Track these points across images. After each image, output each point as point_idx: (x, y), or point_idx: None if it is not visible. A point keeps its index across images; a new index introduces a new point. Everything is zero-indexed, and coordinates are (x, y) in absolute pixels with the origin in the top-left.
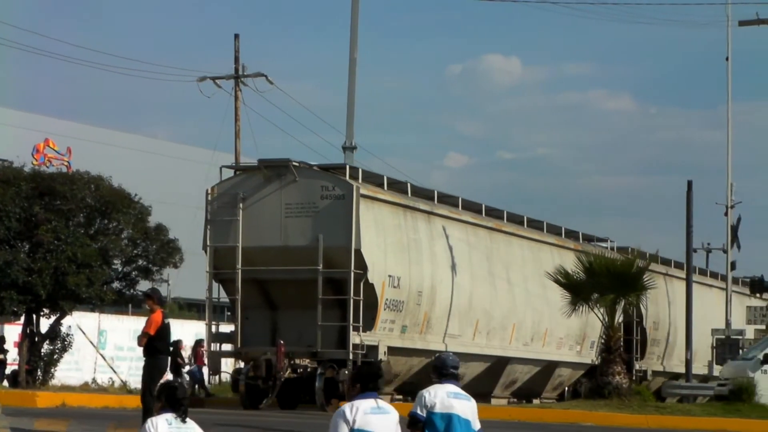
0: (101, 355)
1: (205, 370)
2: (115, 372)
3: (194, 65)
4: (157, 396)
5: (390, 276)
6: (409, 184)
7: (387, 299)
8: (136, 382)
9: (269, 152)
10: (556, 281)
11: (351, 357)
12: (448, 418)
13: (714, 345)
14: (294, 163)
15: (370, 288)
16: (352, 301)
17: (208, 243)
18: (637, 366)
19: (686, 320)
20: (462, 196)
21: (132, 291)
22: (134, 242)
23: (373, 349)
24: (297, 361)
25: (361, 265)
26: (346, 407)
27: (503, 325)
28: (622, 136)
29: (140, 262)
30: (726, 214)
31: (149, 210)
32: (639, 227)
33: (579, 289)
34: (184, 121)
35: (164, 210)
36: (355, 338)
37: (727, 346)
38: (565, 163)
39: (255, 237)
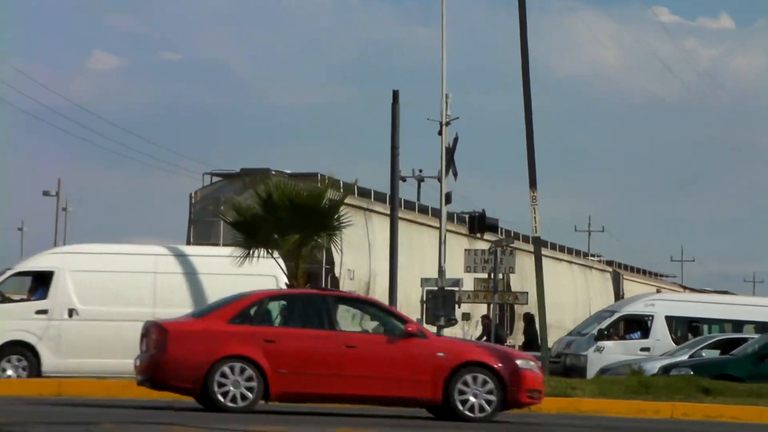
0: None
1: None
2: None
3: None
4: None
5: (348, 270)
6: (355, 186)
7: (346, 290)
8: None
9: None
10: (223, 220)
11: None
12: None
13: (423, 299)
14: (272, 172)
15: (335, 281)
16: None
17: (191, 242)
18: None
19: (390, 267)
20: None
21: None
22: None
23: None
24: None
25: (330, 260)
26: None
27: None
28: (314, 37)
29: None
30: (440, 132)
31: None
32: (337, 151)
33: (255, 229)
34: None
35: None
36: None
37: (440, 301)
38: (248, 72)
39: (234, 236)
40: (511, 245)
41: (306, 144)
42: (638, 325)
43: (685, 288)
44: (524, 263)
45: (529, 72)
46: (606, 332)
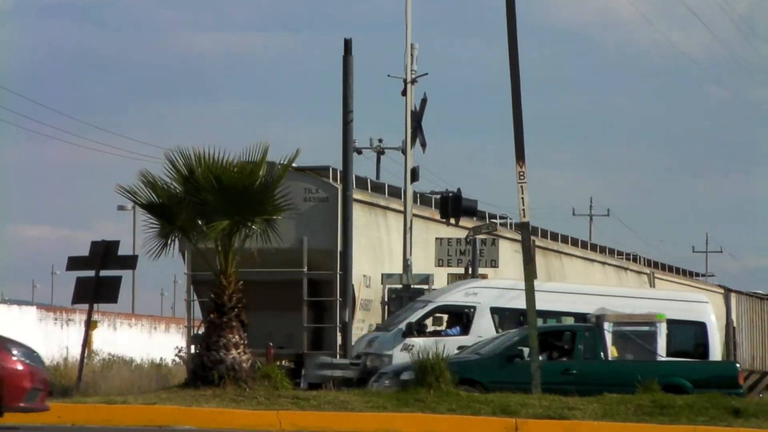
0: None
1: None
2: None
3: None
4: None
5: (364, 276)
6: (368, 180)
7: (362, 299)
8: None
9: None
10: (135, 200)
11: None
12: None
13: (385, 299)
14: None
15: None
16: (338, 303)
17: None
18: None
19: (342, 260)
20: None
21: None
22: None
23: (352, 350)
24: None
25: (344, 265)
26: None
27: None
28: None
29: None
30: (404, 92)
31: None
32: (276, 114)
33: (174, 213)
34: None
35: None
36: (338, 339)
37: (405, 302)
38: (159, 11)
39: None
40: (495, 232)
41: (236, 104)
42: (458, 318)
43: (728, 290)
44: (552, 264)
45: (515, 16)
46: (418, 327)
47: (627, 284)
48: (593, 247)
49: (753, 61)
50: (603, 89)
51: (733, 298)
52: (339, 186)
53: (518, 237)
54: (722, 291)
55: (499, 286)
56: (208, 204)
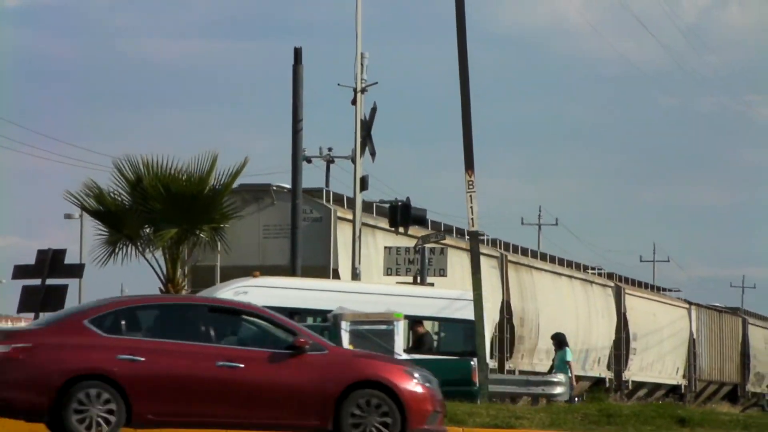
0: None
1: None
2: None
3: None
4: None
5: None
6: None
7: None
8: None
9: None
10: (83, 207)
11: None
12: None
13: None
14: (273, 187)
15: None
16: None
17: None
18: None
19: (292, 270)
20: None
21: None
22: None
23: None
24: None
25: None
26: None
27: None
28: None
29: None
30: (354, 101)
31: None
32: (225, 123)
33: (121, 221)
34: None
35: None
36: None
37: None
38: (109, 19)
39: (232, 257)
40: (443, 242)
41: (185, 112)
42: None
43: (690, 304)
44: (523, 278)
45: (465, 23)
46: None
47: (593, 298)
48: (560, 262)
49: (701, 71)
50: (553, 97)
51: (693, 310)
52: (332, 207)
53: (493, 252)
54: (687, 305)
55: (270, 284)
56: (156, 212)
